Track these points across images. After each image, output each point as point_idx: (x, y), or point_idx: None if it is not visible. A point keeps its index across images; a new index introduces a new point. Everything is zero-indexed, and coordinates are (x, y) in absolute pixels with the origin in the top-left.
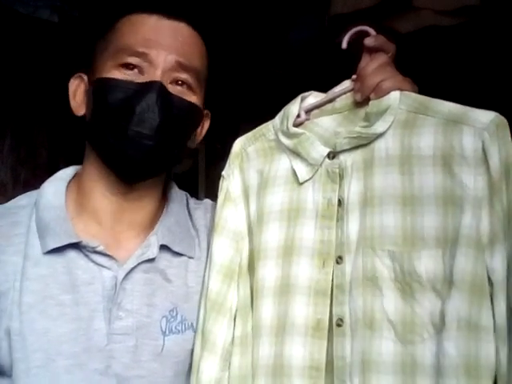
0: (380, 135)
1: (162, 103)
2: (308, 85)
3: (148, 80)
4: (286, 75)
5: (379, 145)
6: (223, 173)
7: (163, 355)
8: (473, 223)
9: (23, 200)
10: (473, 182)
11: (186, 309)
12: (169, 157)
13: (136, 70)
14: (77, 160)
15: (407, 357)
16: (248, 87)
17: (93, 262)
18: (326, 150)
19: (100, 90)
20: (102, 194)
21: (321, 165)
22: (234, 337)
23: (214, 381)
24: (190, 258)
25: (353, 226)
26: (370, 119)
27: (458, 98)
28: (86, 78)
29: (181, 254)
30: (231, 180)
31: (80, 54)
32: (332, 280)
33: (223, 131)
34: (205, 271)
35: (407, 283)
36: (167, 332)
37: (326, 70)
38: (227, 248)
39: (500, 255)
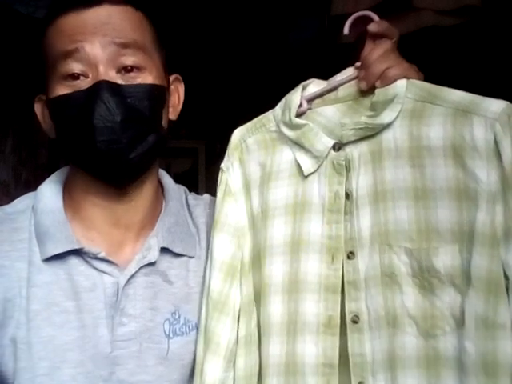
0: (387, 126)
1: (115, 101)
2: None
3: (93, 82)
4: (285, 75)
5: (387, 136)
6: (222, 165)
7: (169, 358)
8: (487, 219)
9: (21, 204)
10: (486, 175)
11: (188, 310)
12: (148, 146)
13: (81, 77)
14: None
15: (430, 350)
16: (248, 87)
17: (94, 268)
18: (331, 142)
19: (54, 111)
20: (93, 203)
21: (326, 157)
22: (237, 337)
23: (218, 382)
24: (191, 257)
25: (364, 220)
26: (376, 109)
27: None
28: (45, 98)
29: (181, 255)
30: (230, 173)
31: (33, 77)
32: (342, 276)
33: (223, 131)
34: (205, 269)
35: (426, 279)
36: (171, 335)
37: (326, 70)
38: (228, 244)
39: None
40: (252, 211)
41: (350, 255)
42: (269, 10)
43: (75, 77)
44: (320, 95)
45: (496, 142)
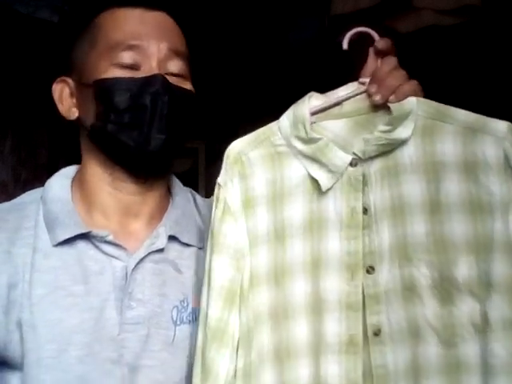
0: (402, 142)
1: (168, 95)
2: (308, 85)
3: (148, 74)
4: (285, 75)
5: (401, 152)
6: (219, 180)
7: (174, 345)
8: (504, 228)
9: (29, 196)
10: (499, 188)
11: (196, 299)
12: (179, 147)
13: (132, 66)
14: (77, 160)
15: (452, 359)
16: (248, 87)
17: (102, 252)
18: (349, 157)
19: (103, 91)
20: (108, 193)
21: (342, 172)
22: (236, 368)
23: None
24: (200, 248)
25: (384, 234)
26: (393, 124)
27: (459, 98)
28: (70, 80)
29: (190, 245)
30: (229, 189)
31: (60, 56)
32: (362, 291)
33: (223, 131)
34: (202, 293)
35: (445, 289)
36: (178, 322)
37: (326, 70)
38: (228, 267)
39: None
40: (256, 230)
41: (370, 269)
42: (269, 10)
43: (127, 65)
44: (325, 109)
45: (506, 158)
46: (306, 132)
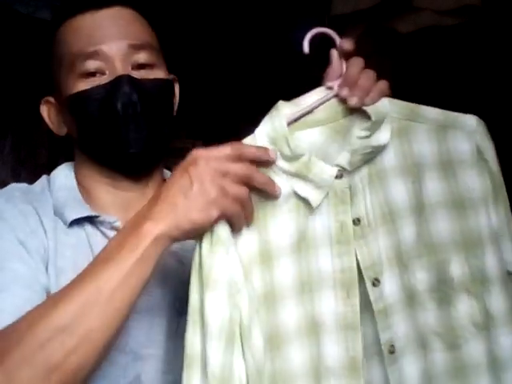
0: (383, 147)
1: (137, 93)
2: (307, 84)
3: (113, 77)
4: (285, 75)
5: (382, 157)
6: None
7: (178, 335)
8: (488, 220)
9: (36, 186)
10: (477, 182)
11: None
12: (163, 138)
13: (97, 74)
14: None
15: (458, 362)
16: (247, 87)
17: (108, 238)
18: (335, 170)
19: (75, 106)
20: (107, 191)
21: (330, 186)
22: None
23: None
24: None
25: (381, 243)
26: (371, 130)
27: (459, 97)
28: (52, 99)
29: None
30: None
31: (41, 79)
32: (360, 310)
33: (223, 131)
34: (195, 336)
35: (442, 291)
36: (182, 312)
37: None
38: (225, 306)
39: (510, 247)
40: (248, 256)
41: (376, 282)
42: (268, 10)
43: (93, 74)
44: (299, 118)
45: (479, 151)
46: (290, 148)
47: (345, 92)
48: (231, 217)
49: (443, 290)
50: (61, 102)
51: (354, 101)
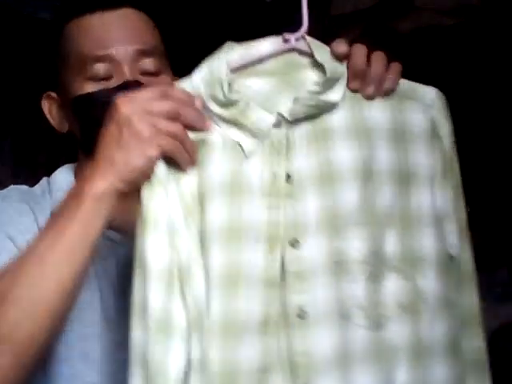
0: (332, 106)
1: None
2: None
3: (121, 81)
4: None
5: (330, 117)
6: None
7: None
8: (431, 201)
9: (39, 187)
10: (425, 159)
11: None
12: None
13: (105, 77)
14: (76, 160)
15: (378, 342)
16: None
17: (107, 237)
18: (273, 118)
19: (80, 108)
20: None
21: (266, 135)
22: (190, 360)
23: None
24: None
25: (310, 204)
26: (324, 86)
27: (459, 97)
28: (55, 95)
29: None
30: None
31: (43, 71)
32: (282, 266)
33: None
34: (134, 280)
35: (374, 265)
36: None
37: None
38: (164, 247)
39: (453, 231)
40: (191, 196)
41: (294, 243)
42: (268, 10)
43: (101, 77)
44: (245, 66)
45: (433, 126)
46: (224, 94)
47: (356, 85)
48: (172, 153)
49: (375, 264)
50: (65, 100)
51: (369, 91)
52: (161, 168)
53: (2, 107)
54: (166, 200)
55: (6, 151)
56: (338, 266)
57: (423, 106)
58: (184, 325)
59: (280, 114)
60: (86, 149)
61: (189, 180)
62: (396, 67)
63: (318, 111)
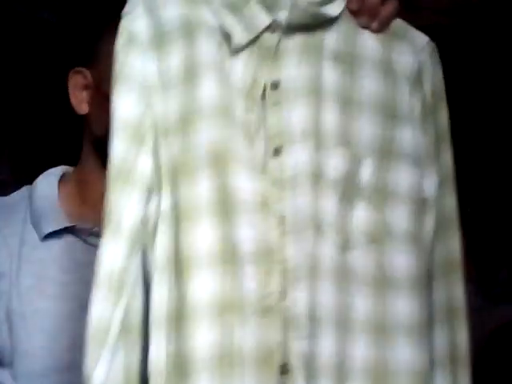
0: (327, 23)
1: None
2: None
3: None
4: None
5: (323, 34)
6: (123, 11)
7: None
8: (408, 139)
9: (18, 194)
10: (408, 99)
11: None
12: None
13: None
14: (76, 160)
15: (343, 264)
16: None
17: (90, 244)
18: (268, 20)
19: None
20: (102, 193)
21: (259, 35)
22: (161, 211)
23: (117, 271)
24: None
25: (296, 114)
26: None
27: (457, 96)
28: (88, 73)
29: None
30: (135, 19)
31: (78, 47)
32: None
33: None
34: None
35: (347, 188)
36: None
37: None
38: (135, 103)
39: (431, 175)
40: (168, 71)
41: (277, 151)
42: None
43: None
44: None
45: (419, 71)
46: None
47: (354, 5)
48: None
49: (348, 188)
50: (101, 87)
51: (363, 19)
52: (141, 29)
53: (2, 107)
54: (142, 62)
55: (6, 151)
56: (317, 179)
57: (413, 48)
58: (146, 181)
59: (275, 21)
60: (100, 147)
61: (177, 54)
62: (392, 3)
63: (313, 22)
